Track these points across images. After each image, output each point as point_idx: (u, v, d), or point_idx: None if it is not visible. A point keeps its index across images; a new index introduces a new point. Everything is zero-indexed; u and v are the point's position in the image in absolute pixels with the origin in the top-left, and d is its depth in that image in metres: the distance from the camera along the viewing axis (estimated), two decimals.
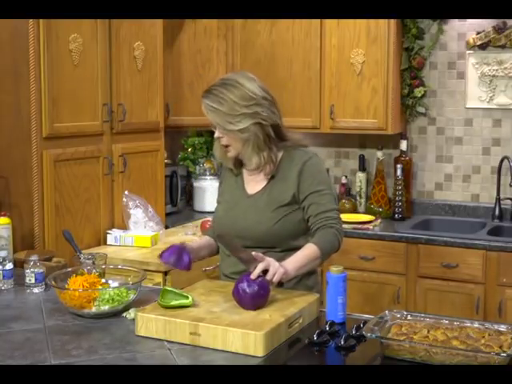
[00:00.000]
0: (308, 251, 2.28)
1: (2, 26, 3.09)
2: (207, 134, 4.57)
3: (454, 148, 4.21)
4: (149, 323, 2.00)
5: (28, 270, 2.53)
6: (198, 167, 4.56)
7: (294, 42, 4.18)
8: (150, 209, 3.64)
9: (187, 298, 2.07)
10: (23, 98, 3.10)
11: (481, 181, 4.16)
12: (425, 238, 3.69)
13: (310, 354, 1.95)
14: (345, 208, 4.27)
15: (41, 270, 2.54)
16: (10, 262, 2.63)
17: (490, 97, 4.07)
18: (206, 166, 4.52)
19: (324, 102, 4.14)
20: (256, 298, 2.05)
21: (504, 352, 1.75)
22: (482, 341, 1.82)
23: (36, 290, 2.53)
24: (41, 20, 3.06)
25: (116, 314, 2.20)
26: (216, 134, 2.35)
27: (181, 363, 1.83)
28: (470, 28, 4.07)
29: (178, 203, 4.39)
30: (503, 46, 4.00)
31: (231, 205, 2.44)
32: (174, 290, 2.10)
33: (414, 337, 1.85)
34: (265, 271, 2.12)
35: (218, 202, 2.55)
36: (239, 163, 2.46)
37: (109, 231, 3.53)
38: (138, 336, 2.02)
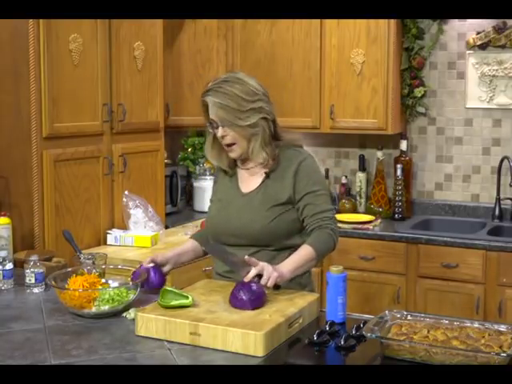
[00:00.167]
0: (304, 252, 2.28)
1: (1, 26, 3.09)
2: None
3: (454, 148, 4.21)
4: (149, 323, 2.00)
5: (28, 270, 2.53)
6: (197, 167, 4.56)
7: (293, 42, 4.18)
8: (150, 209, 3.64)
9: (187, 297, 2.07)
10: (23, 98, 3.10)
11: (481, 181, 4.16)
12: (425, 238, 3.69)
13: (310, 354, 1.94)
14: (345, 208, 4.27)
15: (41, 270, 2.54)
16: (9, 261, 2.63)
17: (490, 97, 4.07)
18: (206, 166, 4.52)
19: (324, 102, 4.14)
20: (254, 304, 2.05)
21: (504, 352, 1.75)
22: (482, 341, 1.82)
23: (36, 290, 2.53)
24: (41, 20, 3.06)
25: (116, 313, 2.20)
26: (220, 133, 2.32)
27: (181, 363, 1.83)
28: (470, 28, 4.07)
29: (177, 203, 4.39)
30: (503, 46, 4.00)
31: (225, 203, 2.44)
32: (174, 290, 2.10)
33: (414, 337, 1.85)
34: (259, 275, 2.12)
35: (212, 201, 2.55)
36: (233, 163, 2.47)
37: (109, 231, 3.53)
38: (138, 336, 2.02)
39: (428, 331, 1.89)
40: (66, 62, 3.24)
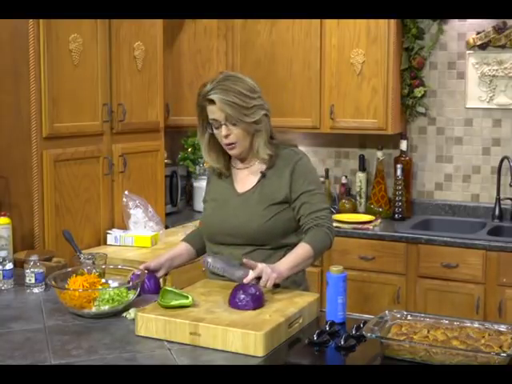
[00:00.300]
0: (301, 250, 2.29)
1: (1, 26, 3.09)
2: None
3: (454, 148, 4.21)
4: (149, 323, 2.00)
5: (28, 270, 2.53)
6: (197, 167, 4.56)
7: (294, 42, 4.18)
8: (150, 209, 3.64)
9: (187, 297, 2.07)
10: (23, 98, 3.10)
11: (481, 181, 4.16)
12: (425, 238, 3.69)
13: (310, 354, 1.94)
14: (345, 208, 4.27)
15: (41, 270, 2.54)
16: (9, 261, 2.63)
17: (490, 97, 4.07)
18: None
19: (324, 102, 4.14)
20: (254, 305, 2.05)
21: (504, 352, 1.75)
22: (482, 341, 1.82)
23: (36, 290, 2.53)
24: (41, 20, 3.06)
25: (116, 313, 2.20)
26: (224, 132, 2.32)
27: (181, 363, 1.83)
28: (470, 28, 4.07)
29: (178, 203, 4.39)
30: (503, 46, 4.00)
31: (220, 203, 2.45)
32: (174, 290, 2.10)
33: (414, 337, 1.85)
34: (258, 277, 2.13)
35: (206, 201, 2.55)
36: (228, 164, 2.48)
37: (109, 231, 3.53)
38: (138, 336, 2.02)
39: (428, 331, 1.89)
40: (66, 62, 3.24)
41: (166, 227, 3.87)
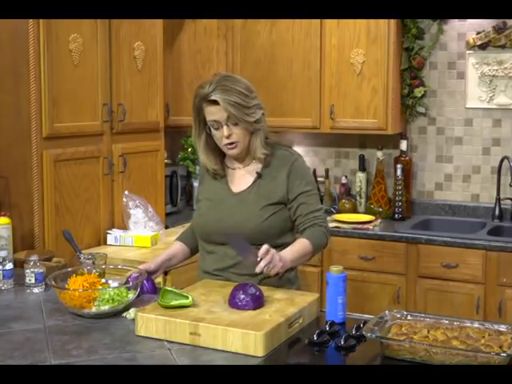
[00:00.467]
0: (302, 246, 2.33)
1: (2, 26, 3.09)
2: None
3: (454, 148, 4.21)
4: (149, 323, 2.00)
5: (28, 270, 2.53)
6: (197, 167, 4.56)
7: (294, 42, 4.18)
8: (150, 209, 3.64)
9: (187, 297, 2.07)
10: (23, 98, 3.10)
11: (481, 181, 4.16)
12: (425, 238, 3.69)
13: (310, 354, 1.94)
14: (345, 208, 4.27)
15: (41, 270, 2.54)
16: (10, 261, 2.63)
17: (490, 97, 4.07)
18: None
19: (324, 102, 4.14)
20: (254, 305, 2.05)
21: (504, 352, 1.75)
22: (482, 341, 1.82)
23: (36, 290, 2.53)
24: (41, 20, 3.07)
25: (116, 313, 2.20)
26: (226, 132, 2.33)
27: (181, 363, 1.83)
28: (470, 28, 4.07)
29: (177, 203, 4.39)
30: (503, 46, 4.00)
31: (215, 202, 2.45)
32: (174, 290, 2.10)
33: (414, 337, 1.85)
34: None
35: (199, 200, 2.55)
36: (222, 164, 2.48)
37: (109, 231, 3.53)
38: (138, 336, 2.02)
39: (428, 331, 1.89)
40: (66, 62, 3.24)
41: (166, 227, 3.87)
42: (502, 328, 1.90)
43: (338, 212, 4.25)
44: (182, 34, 4.41)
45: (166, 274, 3.17)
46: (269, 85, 4.21)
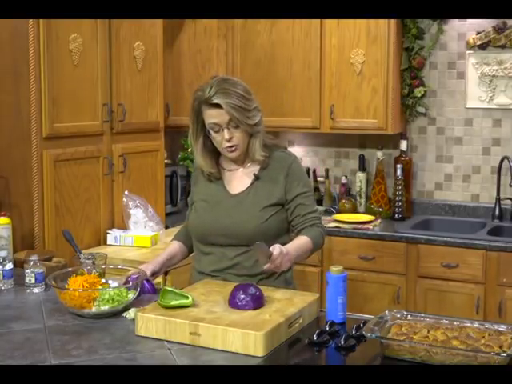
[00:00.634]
0: (304, 242, 2.36)
1: (2, 26, 3.09)
2: None
3: (454, 148, 4.21)
4: (149, 323, 2.00)
5: (28, 270, 2.53)
6: None
7: (294, 42, 4.18)
8: (150, 209, 3.64)
9: (187, 298, 2.07)
10: (23, 98, 3.10)
11: (481, 181, 4.16)
12: (425, 238, 3.69)
13: (310, 354, 1.94)
14: (345, 208, 4.27)
15: (41, 270, 2.54)
16: (10, 261, 2.62)
17: (490, 97, 4.07)
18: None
19: (324, 102, 4.14)
20: (254, 305, 2.05)
21: (504, 352, 1.75)
22: (482, 341, 1.82)
23: (36, 290, 2.52)
24: (41, 20, 3.07)
25: (116, 313, 2.20)
26: (227, 136, 2.33)
27: (181, 363, 1.83)
28: (470, 28, 4.07)
29: (177, 203, 4.39)
30: (503, 46, 4.00)
31: (212, 204, 2.45)
32: (174, 290, 2.10)
33: (414, 337, 1.85)
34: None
35: (194, 201, 2.54)
36: (218, 167, 2.49)
37: (109, 231, 3.53)
38: (138, 336, 2.02)
39: (428, 331, 1.89)
40: (66, 62, 3.24)
41: (166, 227, 3.87)
42: (502, 328, 1.90)
43: (338, 212, 4.25)
44: (182, 34, 4.41)
45: (166, 273, 3.17)
46: (269, 85, 4.21)
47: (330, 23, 4.06)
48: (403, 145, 4.18)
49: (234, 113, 2.29)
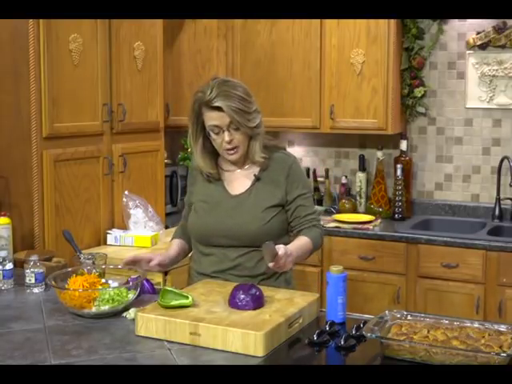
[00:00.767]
0: (305, 243, 2.37)
1: (2, 26, 3.09)
2: None
3: (454, 148, 4.21)
4: (149, 323, 2.00)
5: (28, 270, 2.53)
6: None
7: (294, 42, 4.18)
8: (150, 209, 3.64)
9: (187, 298, 2.07)
10: (23, 98, 3.10)
11: (481, 181, 4.16)
12: (425, 238, 3.69)
13: (310, 353, 1.94)
14: (345, 208, 4.27)
15: (41, 270, 2.54)
16: (10, 261, 2.62)
17: (490, 97, 4.07)
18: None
19: (324, 102, 4.14)
20: (254, 305, 2.05)
21: (504, 352, 1.75)
22: (482, 341, 1.82)
23: (36, 290, 2.53)
24: (41, 20, 3.07)
25: (116, 313, 2.20)
26: (227, 138, 2.33)
27: (181, 363, 1.83)
28: (470, 28, 4.07)
29: (177, 203, 4.39)
30: (503, 46, 4.00)
31: (212, 205, 2.44)
32: (174, 290, 2.10)
33: (414, 337, 1.85)
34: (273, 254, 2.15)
35: (192, 202, 2.53)
36: (217, 168, 2.48)
37: (109, 231, 3.53)
38: (138, 336, 2.02)
39: (428, 331, 1.89)
40: (66, 62, 3.24)
41: (166, 227, 3.87)
42: (502, 328, 1.90)
43: (338, 212, 4.25)
44: (182, 34, 4.41)
45: (166, 273, 3.18)
46: (269, 85, 4.21)
47: (330, 23, 4.06)
48: (403, 145, 4.18)
49: (235, 116, 2.29)
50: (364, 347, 1.95)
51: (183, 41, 4.41)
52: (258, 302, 2.06)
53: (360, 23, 3.99)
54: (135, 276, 2.35)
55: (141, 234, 3.52)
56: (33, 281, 2.53)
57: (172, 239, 2.66)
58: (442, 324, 1.94)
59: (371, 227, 3.91)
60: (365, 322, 2.03)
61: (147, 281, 2.44)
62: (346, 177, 4.41)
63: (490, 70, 4.04)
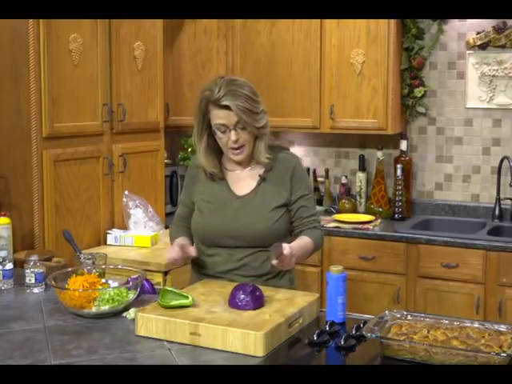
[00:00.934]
0: (306, 242, 2.37)
1: (1, 26, 3.09)
2: None
3: (454, 148, 4.21)
4: (149, 323, 2.00)
5: (28, 270, 2.53)
6: None
7: (294, 42, 4.17)
8: (150, 209, 3.64)
9: (187, 298, 2.07)
10: (23, 98, 3.10)
11: (481, 181, 4.16)
12: (425, 238, 3.69)
13: (310, 353, 1.94)
14: (345, 208, 4.27)
15: (41, 270, 2.54)
16: (10, 261, 2.63)
17: (490, 97, 4.07)
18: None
19: (324, 102, 4.14)
20: (254, 305, 2.05)
21: (504, 352, 1.75)
22: (482, 341, 1.82)
23: (36, 290, 2.53)
24: (41, 20, 3.07)
25: (116, 313, 2.20)
26: (234, 137, 2.32)
27: (181, 363, 1.83)
28: (470, 28, 4.07)
29: (177, 203, 4.38)
30: (503, 46, 4.00)
31: (217, 205, 2.43)
32: (174, 290, 2.10)
33: (414, 337, 1.85)
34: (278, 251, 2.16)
35: (193, 201, 2.49)
36: (221, 167, 2.47)
37: (109, 231, 3.53)
38: (138, 336, 2.02)
39: (428, 331, 1.89)
40: (66, 62, 3.24)
41: (166, 227, 3.86)
42: (502, 328, 1.90)
43: (338, 212, 4.25)
44: (182, 34, 4.40)
45: (166, 273, 3.18)
46: (269, 85, 4.21)
47: (330, 23, 4.06)
48: (403, 145, 4.17)
49: (243, 115, 2.29)
50: (364, 347, 1.95)
51: (183, 41, 4.41)
52: (258, 302, 2.07)
53: (360, 23, 3.99)
54: (135, 276, 2.35)
55: (141, 233, 3.52)
56: (33, 281, 2.53)
57: (176, 238, 2.52)
58: (442, 324, 1.94)
59: (371, 227, 3.91)
60: (365, 322, 2.03)
61: (147, 281, 2.44)
62: (346, 177, 4.41)
63: (489, 70, 4.04)
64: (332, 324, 2.07)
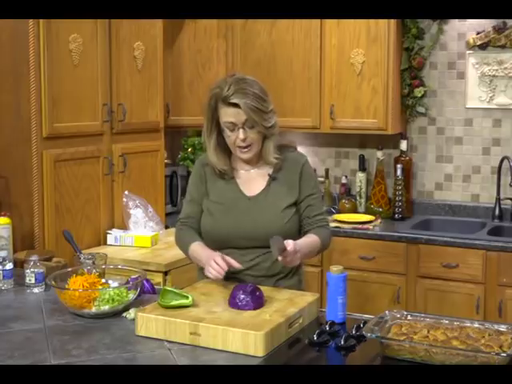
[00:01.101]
0: (313, 240, 2.37)
1: (1, 26, 3.09)
2: None
3: (454, 148, 4.21)
4: (149, 323, 2.00)
5: (28, 270, 2.53)
6: None
7: (294, 42, 4.17)
8: (150, 209, 3.64)
9: (187, 298, 2.07)
10: (23, 98, 3.10)
11: (481, 181, 4.16)
12: (425, 238, 3.69)
13: (310, 353, 1.94)
14: (345, 208, 4.27)
15: (41, 270, 2.54)
16: (10, 261, 2.63)
17: (490, 97, 4.07)
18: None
19: (324, 102, 4.14)
20: (254, 305, 2.05)
21: (504, 352, 1.75)
22: (482, 341, 1.82)
23: (36, 290, 2.53)
24: (41, 20, 3.07)
25: (116, 313, 2.20)
26: (242, 136, 2.32)
27: (181, 363, 1.83)
28: (470, 28, 4.07)
29: (178, 203, 4.39)
30: (503, 46, 4.00)
31: (229, 206, 2.41)
32: (174, 290, 2.10)
33: (414, 337, 1.85)
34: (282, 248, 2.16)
35: (203, 201, 2.45)
36: (231, 165, 2.46)
37: (109, 231, 3.53)
38: (138, 336, 2.02)
39: (428, 331, 1.89)
40: (66, 61, 3.24)
41: (166, 227, 3.87)
42: (502, 328, 1.90)
43: (338, 212, 4.25)
44: (182, 34, 4.40)
45: (165, 273, 3.18)
46: (269, 85, 4.12)
47: (330, 23, 4.06)
48: (403, 145, 4.18)
49: (252, 114, 2.29)
50: (364, 347, 1.95)
51: (183, 41, 4.41)
52: (258, 302, 2.07)
53: (360, 23, 3.99)
54: (135, 276, 2.35)
55: (141, 233, 3.52)
56: (33, 281, 2.53)
57: (192, 243, 2.41)
58: (442, 324, 1.94)
59: (371, 227, 3.91)
60: (365, 322, 2.03)
61: (147, 281, 2.44)
62: (346, 177, 4.41)
63: (489, 69, 4.04)
64: (332, 324, 2.07)
